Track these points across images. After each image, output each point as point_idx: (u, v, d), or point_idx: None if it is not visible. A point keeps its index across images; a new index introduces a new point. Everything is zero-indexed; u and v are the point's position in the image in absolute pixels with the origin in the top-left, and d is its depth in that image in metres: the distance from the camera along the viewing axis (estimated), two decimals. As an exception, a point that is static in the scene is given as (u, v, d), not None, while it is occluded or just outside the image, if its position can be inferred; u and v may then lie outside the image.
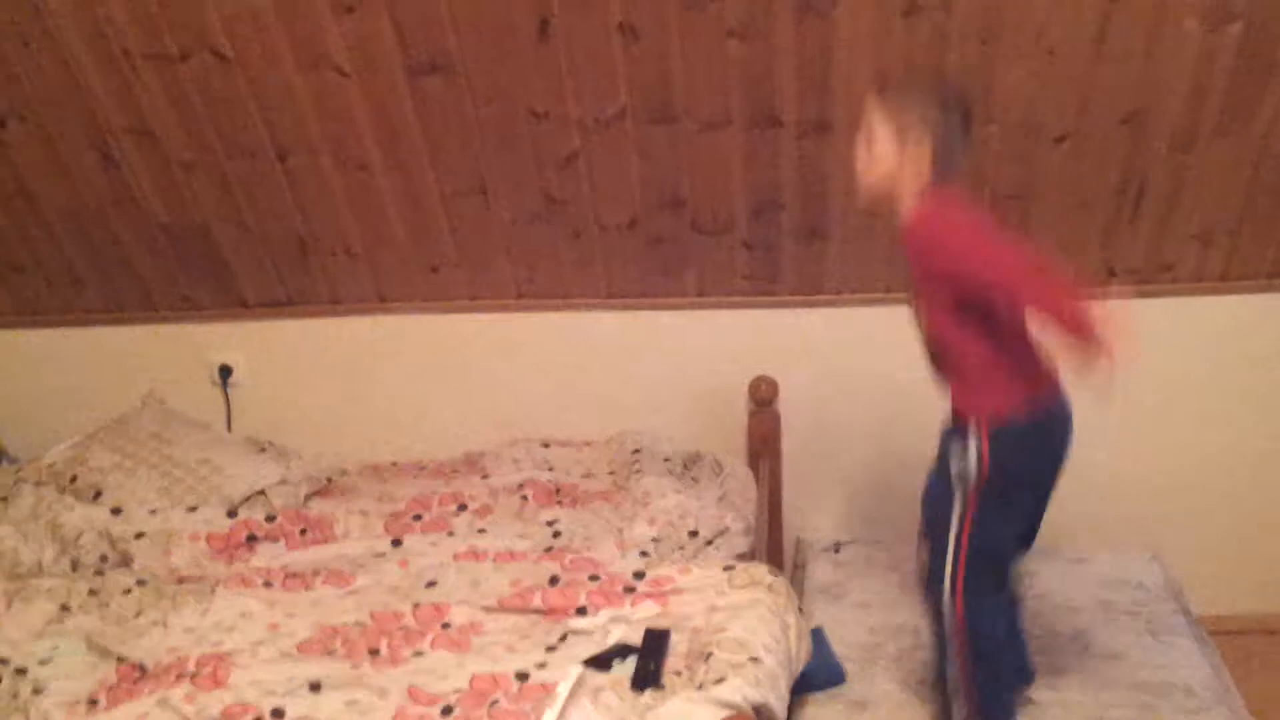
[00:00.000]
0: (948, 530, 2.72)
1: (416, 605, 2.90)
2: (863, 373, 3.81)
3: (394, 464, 3.84)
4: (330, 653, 2.75)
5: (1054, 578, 3.43)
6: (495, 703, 2.51)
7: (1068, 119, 3.31)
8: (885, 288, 3.73)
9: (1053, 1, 3.07)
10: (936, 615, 2.78)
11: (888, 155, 2.67)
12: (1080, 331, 2.46)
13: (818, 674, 2.95)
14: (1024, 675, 2.98)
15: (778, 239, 3.67)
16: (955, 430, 2.74)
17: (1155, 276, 3.65)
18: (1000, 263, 2.57)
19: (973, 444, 2.68)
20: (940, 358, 2.78)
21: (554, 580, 2.99)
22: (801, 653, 2.77)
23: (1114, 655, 3.05)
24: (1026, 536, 2.88)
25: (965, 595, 2.72)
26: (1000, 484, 2.69)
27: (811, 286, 3.77)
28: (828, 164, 3.45)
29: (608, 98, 3.36)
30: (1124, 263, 3.63)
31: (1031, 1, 3.08)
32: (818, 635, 3.02)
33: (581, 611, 2.84)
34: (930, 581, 2.77)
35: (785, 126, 3.38)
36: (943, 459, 2.76)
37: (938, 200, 2.66)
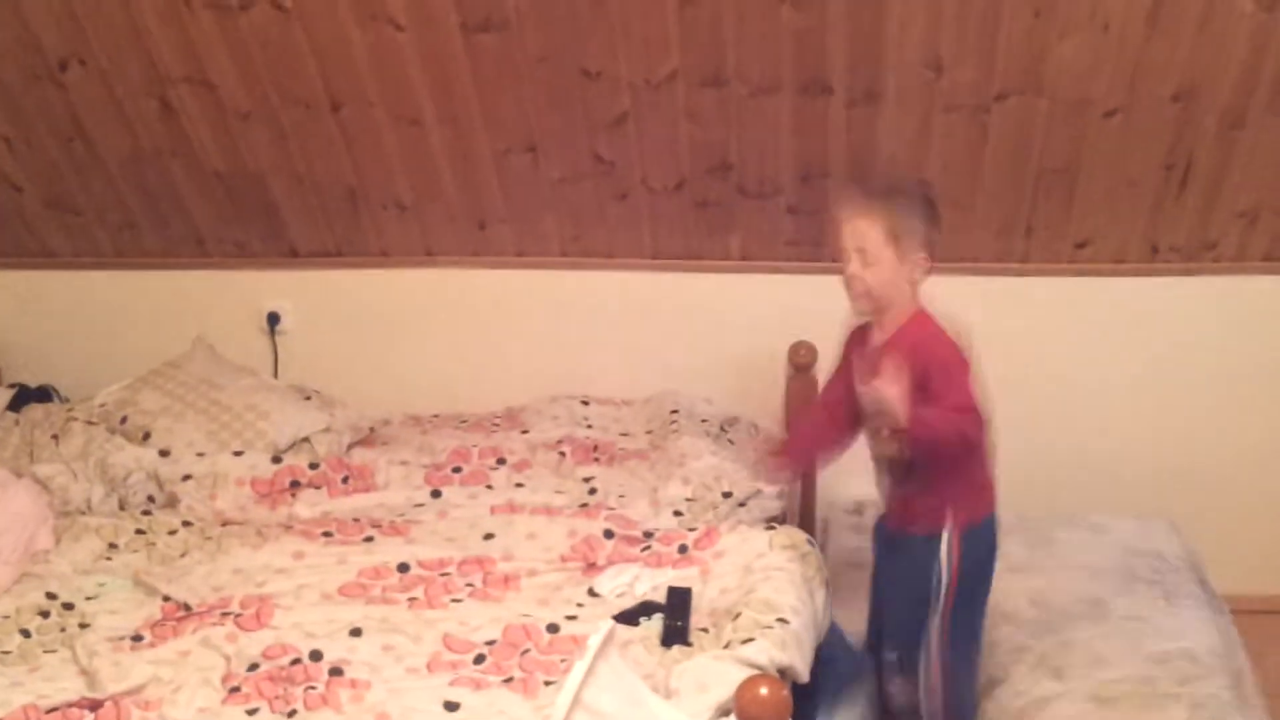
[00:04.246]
0: (922, 632, 2.79)
1: (464, 559, 2.97)
2: (902, 341, 3.83)
3: (435, 416, 3.88)
4: (370, 598, 2.82)
5: (1075, 544, 3.45)
6: (526, 652, 2.57)
7: (1118, 94, 3.30)
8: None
9: (1108, -24, 3.07)
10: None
11: (887, 262, 2.68)
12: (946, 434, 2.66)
13: (844, 664, 2.99)
14: None
15: (823, 205, 3.66)
16: (918, 539, 2.80)
17: (1198, 254, 3.64)
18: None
19: (944, 549, 2.75)
20: (909, 469, 2.80)
21: (588, 537, 3.03)
22: (824, 625, 2.83)
23: (1129, 619, 3.08)
24: None
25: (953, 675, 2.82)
26: (973, 580, 2.81)
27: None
28: (876, 133, 3.46)
29: (660, 59, 3.38)
30: (1168, 240, 3.62)
31: (1086, -25, 3.08)
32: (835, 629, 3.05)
33: (614, 567, 2.89)
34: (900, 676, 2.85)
35: (835, 94, 3.39)
36: (910, 566, 2.82)
37: (931, 316, 2.74)
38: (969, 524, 2.78)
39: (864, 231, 2.67)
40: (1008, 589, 3.21)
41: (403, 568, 2.93)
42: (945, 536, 2.75)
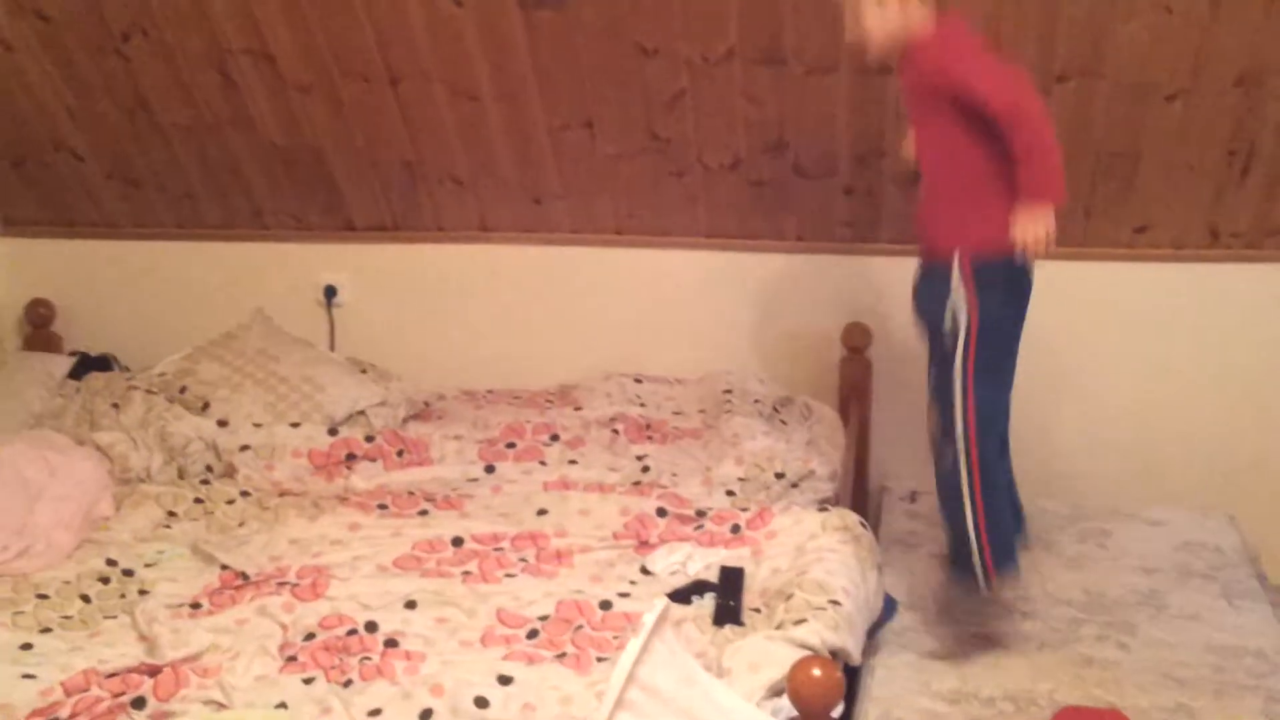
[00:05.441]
0: (952, 384, 2.83)
1: (518, 534, 2.99)
2: (957, 324, 3.82)
3: (489, 391, 3.91)
4: (424, 571, 2.84)
5: (1131, 539, 3.43)
6: (579, 628, 2.59)
7: (1180, 78, 3.27)
8: (985, 240, 3.72)
9: (1172, -42, 3.05)
10: (950, 473, 2.87)
11: (895, 14, 2.79)
12: (1047, 171, 2.70)
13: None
14: (1020, 521, 3.15)
15: (879, 186, 3.67)
16: (935, 276, 2.87)
17: (1260, 241, 3.61)
18: (1003, 84, 2.72)
19: (957, 286, 2.82)
20: (935, 182, 2.90)
21: (641, 515, 3.05)
22: (876, 608, 2.83)
23: (1187, 617, 3.06)
24: None
25: (979, 452, 2.83)
26: (992, 327, 2.83)
27: (910, 236, 3.73)
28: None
29: (717, 37, 3.38)
30: (1229, 226, 3.59)
31: (1151, -43, 3.05)
32: None
33: (666, 545, 2.90)
34: (942, 437, 2.87)
35: (892, 75, 3.37)
36: (931, 313, 2.88)
37: (943, 26, 2.83)
38: (980, 255, 2.80)
39: None
40: (1060, 582, 3.21)
41: (457, 541, 2.95)
42: (955, 265, 2.81)
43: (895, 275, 3.78)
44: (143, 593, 2.83)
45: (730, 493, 3.19)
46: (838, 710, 2.20)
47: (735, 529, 2.95)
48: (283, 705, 2.38)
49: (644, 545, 2.94)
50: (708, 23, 3.34)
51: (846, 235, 3.82)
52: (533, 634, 2.58)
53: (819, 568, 2.68)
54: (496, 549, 2.93)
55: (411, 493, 3.24)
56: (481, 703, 2.34)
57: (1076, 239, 3.66)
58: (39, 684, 2.44)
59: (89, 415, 3.61)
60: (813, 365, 3.87)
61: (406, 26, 3.45)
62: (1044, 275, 3.66)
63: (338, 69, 3.60)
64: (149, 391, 3.65)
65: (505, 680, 2.40)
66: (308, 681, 2.46)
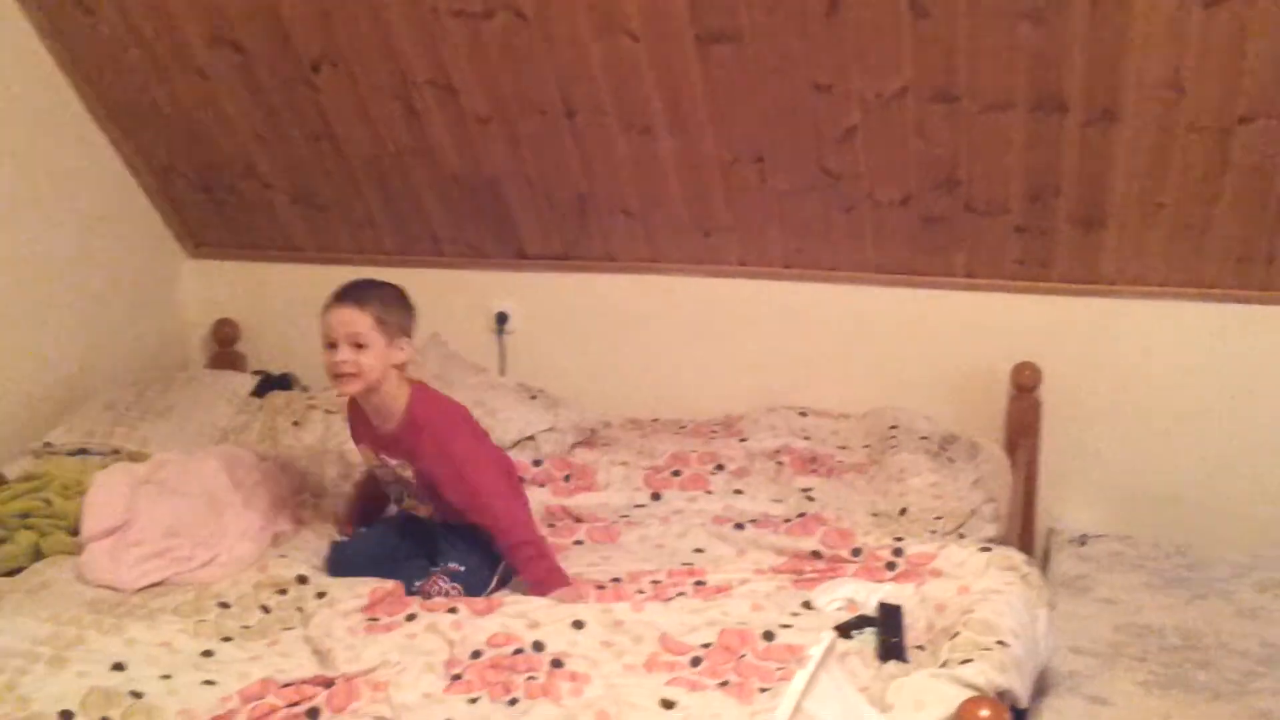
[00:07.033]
0: None
1: (672, 569, 3.02)
2: (1131, 366, 3.74)
3: (655, 420, 3.95)
4: (588, 595, 2.89)
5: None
6: (742, 658, 2.59)
7: (1373, 121, 3.20)
8: (1162, 281, 3.66)
9: (1366, -4, 2.97)
10: None
11: (380, 356, 2.95)
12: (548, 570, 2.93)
13: None
14: None
15: (1052, 225, 3.63)
16: None
17: None
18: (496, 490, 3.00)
19: None
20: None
21: (799, 552, 3.05)
22: (1048, 647, 2.77)
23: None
24: None
25: None
26: None
27: (1084, 275, 3.72)
28: (1112, 153, 3.40)
29: (891, 74, 3.38)
30: None
31: (1344, -4, 2.98)
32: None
33: (830, 580, 2.90)
34: None
35: (1070, 112, 3.34)
36: None
37: (433, 396, 3.07)
38: None
39: (353, 320, 2.94)
40: (1236, 632, 3.12)
41: (615, 580, 3.00)
42: None
43: (1066, 314, 3.76)
44: (320, 595, 2.90)
45: (897, 537, 3.17)
46: (1005, 752, 2.17)
47: (898, 565, 2.93)
48: (449, 722, 2.43)
49: (802, 580, 2.94)
50: (882, 60, 3.34)
51: (1017, 273, 3.78)
52: (696, 661, 2.58)
53: (985, 607, 2.64)
54: (654, 581, 2.96)
55: (579, 518, 3.30)
56: (645, 727, 2.36)
57: (1258, 283, 3.59)
58: (218, 690, 2.52)
59: (271, 432, 3.74)
60: (980, 403, 3.84)
61: (584, 61, 3.52)
62: (1223, 322, 3.62)
63: (516, 102, 3.68)
64: (328, 411, 3.77)
65: (668, 705, 2.41)
66: (472, 701, 2.49)
